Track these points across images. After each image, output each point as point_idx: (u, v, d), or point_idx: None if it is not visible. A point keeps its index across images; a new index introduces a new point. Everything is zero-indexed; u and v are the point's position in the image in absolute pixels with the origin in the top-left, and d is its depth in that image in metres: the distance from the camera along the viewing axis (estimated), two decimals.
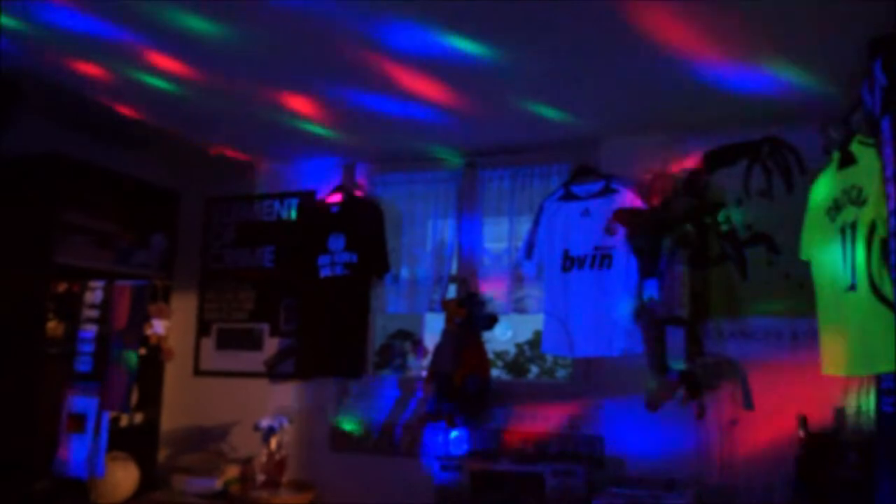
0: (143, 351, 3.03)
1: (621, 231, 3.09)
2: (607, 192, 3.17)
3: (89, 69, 2.71)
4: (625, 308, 3.03)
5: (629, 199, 3.11)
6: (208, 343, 3.86)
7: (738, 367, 2.91)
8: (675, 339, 2.90)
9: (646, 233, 3.01)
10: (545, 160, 3.41)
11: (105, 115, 3.14)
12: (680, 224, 2.96)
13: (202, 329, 3.89)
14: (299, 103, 3.00)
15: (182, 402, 3.77)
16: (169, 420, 3.71)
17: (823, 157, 2.62)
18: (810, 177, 2.67)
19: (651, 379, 2.87)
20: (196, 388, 3.83)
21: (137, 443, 3.38)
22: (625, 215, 3.08)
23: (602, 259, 3.12)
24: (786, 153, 2.95)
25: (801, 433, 2.68)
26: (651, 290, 2.94)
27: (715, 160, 3.05)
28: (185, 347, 3.86)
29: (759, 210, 2.97)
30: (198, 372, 3.86)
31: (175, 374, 3.77)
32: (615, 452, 3.09)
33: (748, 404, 2.85)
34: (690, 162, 3.10)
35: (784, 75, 2.61)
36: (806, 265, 2.60)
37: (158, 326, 3.18)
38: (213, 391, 3.80)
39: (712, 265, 2.98)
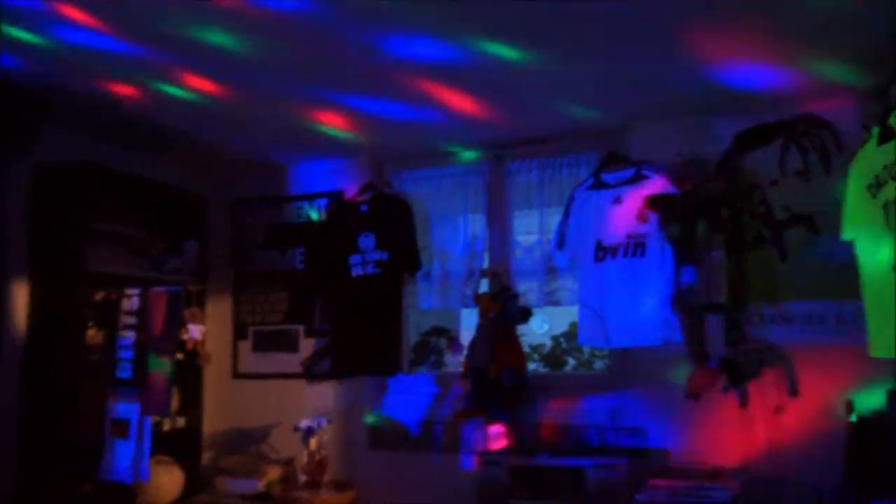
0: (180, 356, 3.07)
1: (654, 218, 3.02)
2: (638, 178, 3.11)
3: (117, 85, 2.77)
4: (661, 296, 2.96)
5: (661, 184, 3.04)
6: (245, 346, 3.90)
7: (782, 352, 2.83)
8: (715, 327, 2.85)
9: (679, 219, 2.94)
10: (573, 149, 3.37)
11: (134, 124, 3.19)
12: (714, 208, 2.89)
13: (239, 332, 3.93)
14: (324, 111, 3.03)
15: (222, 406, 3.82)
16: (210, 423, 3.75)
17: (861, 133, 2.55)
18: (849, 154, 2.60)
19: (691, 368, 2.81)
20: (235, 390, 3.88)
21: (181, 446, 3.43)
22: (657, 202, 3.01)
23: (635, 247, 3.06)
24: (822, 130, 2.85)
25: (850, 418, 2.60)
26: (687, 277, 2.88)
27: (748, 141, 2.96)
28: (223, 351, 3.90)
29: (797, 190, 2.86)
30: (236, 375, 3.90)
31: (214, 378, 3.81)
32: (657, 444, 3.03)
33: (793, 391, 2.78)
34: (722, 144, 3.01)
35: (816, 64, 2.55)
36: (848, 245, 2.52)
37: (194, 331, 3.21)
38: (252, 393, 3.84)
39: (750, 249, 2.90)
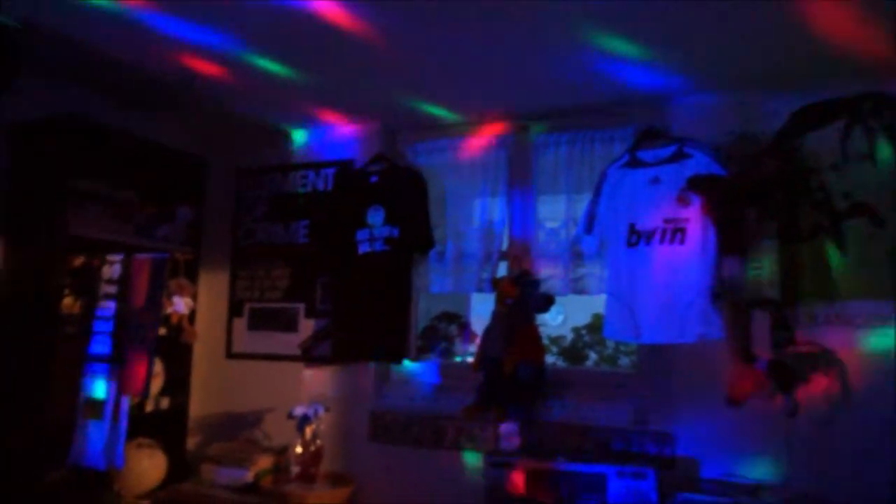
0: (163, 331, 2.79)
1: (696, 201, 2.71)
2: (680, 157, 2.78)
3: (106, 18, 2.43)
4: (700, 288, 2.65)
5: (705, 164, 2.72)
6: (241, 324, 3.62)
7: (836, 357, 2.51)
8: (760, 325, 2.54)
9: (726, 203, 2.63)
10: (607, 123, 3.04)
11: (124, 76, 2.88)
12: (766, 192, 2.58)
13: (234, 309, 3.64)
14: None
15: (213, 387, 3.55)
16: (200, 405, 3.49)
17: None
18: None
19: (734, 369, 2.50)
20: (228, 371, 3.60)
21: (165, 429, 3.16)
22: (701, 183, 2.69)
23: (674, 233, 2.74)
24: (892, 110, 2.53)
25: None
26: (733, 268, 2.57)
27: (807, 119, 2.65)
28: (217, 328, 3.63)
29: (860, 176, 2.55)
30: (230, 354, 3.62)
31: (206, 357, 3.55)
32: (688, 453, 2.73)
33: (847, 400, 2.46)
34: (776, 122, 2.69)
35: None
36: None
37: (180, 304, 2.92)
38: (246, 375, 3.56)
39: (804, 239, 2.58)
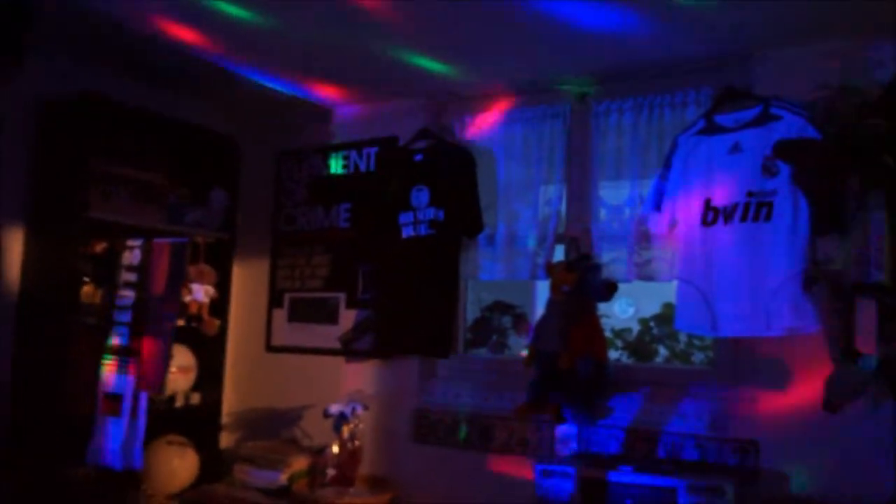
0: (181, 322, 2.60)
1: (785, 170, 2.31)
2: (765, 119, 2.39)
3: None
4: (790, 273, 2.26)
5: (797, 126, 2.32)
6: (280, 315, 3.41)
7: None
8: (868, 315, 2.12)
9: (823, 170, 2.22)
10: (678, 84, 2.67)
11: (150, 52, 2.71)
12: (873, 156, 2.15)
13: (274, 299, 3.44)
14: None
15: (251, 381, 3.37)
16: (238, 401, 3.31)
17: None
18: None
19: (833, 368, 2.10)
20: (267, 365, 3.40)
21: (197, 426, 2.99)
22: (791, 149, 2.29)
23: (758, 208, 2.35)
24: None
25: None
26: (830, 248, 2.17)
27: None
28: (256, 319, 3.44)
29: None
30: (270, 348, 3.43)
31: (244, 350, 3.37)
32: (774, 465, 2.34)
33: None
34: (883, 73, 2.26)
35: None
36: None
37: (199, 292, 2.73)
38: (285, 369, 3.36)
39: None
